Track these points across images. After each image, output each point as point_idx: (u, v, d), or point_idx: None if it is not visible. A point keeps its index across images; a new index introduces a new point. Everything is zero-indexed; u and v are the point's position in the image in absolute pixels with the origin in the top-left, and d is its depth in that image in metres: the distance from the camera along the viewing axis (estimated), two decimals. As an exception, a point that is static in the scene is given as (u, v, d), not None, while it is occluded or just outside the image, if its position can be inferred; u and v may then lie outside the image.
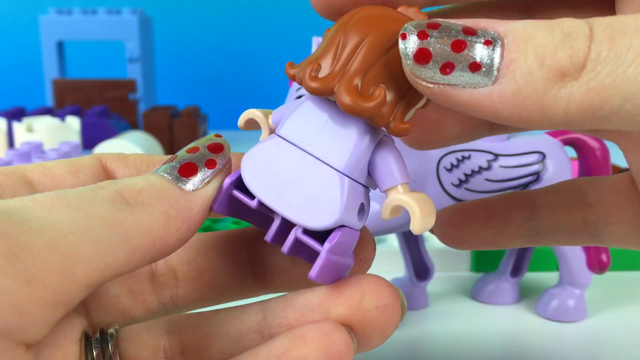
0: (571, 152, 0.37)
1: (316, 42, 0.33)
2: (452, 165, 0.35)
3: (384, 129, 0.19)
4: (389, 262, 0.45)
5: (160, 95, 1.06)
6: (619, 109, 0.15)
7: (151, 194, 0.18)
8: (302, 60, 0.19)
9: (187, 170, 0.19)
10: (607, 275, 0.43)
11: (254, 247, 0.23)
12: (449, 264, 0.45)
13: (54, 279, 0.15)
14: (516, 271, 0.40)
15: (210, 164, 0.20)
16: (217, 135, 0.21)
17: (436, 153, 0.35)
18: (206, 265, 0.23)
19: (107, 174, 0.23)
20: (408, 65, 0.17)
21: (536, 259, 0.44)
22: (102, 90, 0.85)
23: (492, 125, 0.24)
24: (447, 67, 0.17)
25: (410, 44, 0.17)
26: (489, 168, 0.35)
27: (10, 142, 0.65)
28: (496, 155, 0.35)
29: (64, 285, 0.15)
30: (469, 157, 0.35)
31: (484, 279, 0.41)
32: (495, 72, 0.16)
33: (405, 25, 0.17)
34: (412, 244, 0.39)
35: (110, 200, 0.17)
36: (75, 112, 0.74)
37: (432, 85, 0.17)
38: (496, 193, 0.35)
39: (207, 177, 0.20)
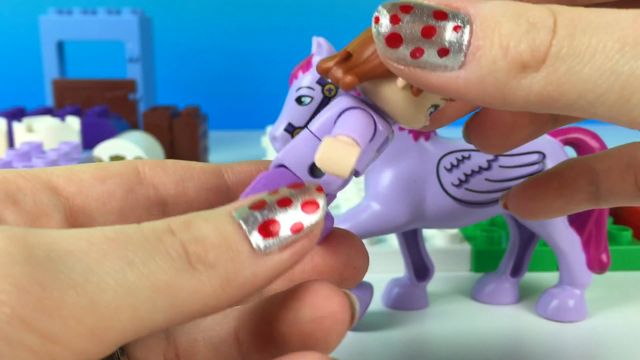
0: (571, 152, 0.37)
1: (316, 42, 0.33)
2: (452, 166, 0.35)
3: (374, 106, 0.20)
4: (389, 262, 0.45)
5: (160, 96, 1.06)
6: (573, 103, 0.16)
7: (219, 253, 0.16)
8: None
9: (269, 230, 0.17)
10: (607, 275, 0.43)
11: None
12: (449, 264, 0.45)
13: (82, 341, 0.14)
14: (516, 271, 0.40)
15: (297, 227, 0.17)
16: (319, 189, 0.18)
17: (436, 153, 0.35)
18: None
19: (144, 181, 0.22)
20: (380, 47, 0.18)
21: (536, 259, 0.44)
22: (102, 91, 0.85)
23: (556, 119, 0.25)
24: (416, 52, 0.17)
25: (382, 28, 0.18)
26: (489, 168, 0.35)
27: (10, 142, 0.65)
28: (496, 155, 0.35)
29: (92, 346, 0.14)
30: (469, 157, 0.35)
31: (484, 279, 0.41)
32: (462, 58, 0.17)
33: (379, 7, 0.18)
34: (412, 244, 0.39)
35: (171, 257, 0.16)
36: (75, 112, 0.74)
37: (402, 67, 0.18)
38: (496, 193, 0.35)
39: (287, 243, 0.17)
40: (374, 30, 0.18)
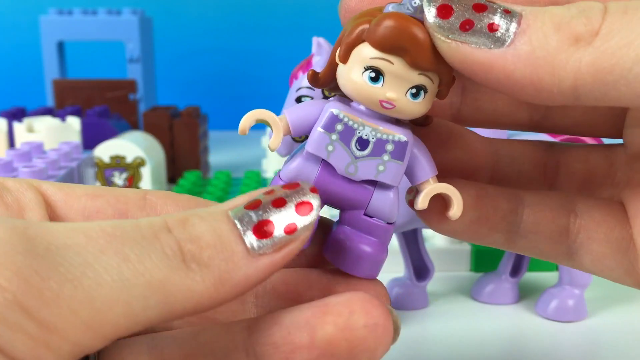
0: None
1: (316, 42, 0.33)
2: (452, 165, 0.35)
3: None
4: (388, 262, 0.45)
5: (160, 96, 1.06)
6: (628, 72, 0.16)
7: (214, 252, 0.16)
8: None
9: (263, 230, 0.17)
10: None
11: None
12: (449, 264, 0.45)
13: (77, 333, 0.14)
14: (516, 271, 0.40)
15: (290, 229, 0.17)
16: (314, 190, 0.18)
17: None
18: None
19: (147, 207, 0.21)
20: (429, 19, 0.18)
21: (536, 259, 0.44)
22: (102, 91, 0.85)
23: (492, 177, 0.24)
24: (466, 24, 0.18)
25: None
26: (488, 168, 0.35)
27: (11, 142, 0.65)
28: (496, 155, 0.35)
29: (86, 339, 0.15)
30: (468, 157, 0.35)
31: (484, 279, 0.41)
32: (511, 36, 0.17)
33: None
34: (411, 244, 0.39)
35: (166, 255, 0.16)
36: (75, 113, 0.74)
37: (449, 41, 0.18)
38: None
39: (281, 244, 0.17)
40: (425, 1, 0.18)
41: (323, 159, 0.21)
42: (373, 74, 0.20)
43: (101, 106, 0.76)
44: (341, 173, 0.21)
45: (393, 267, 0.43)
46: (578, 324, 0.37)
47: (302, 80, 0.32)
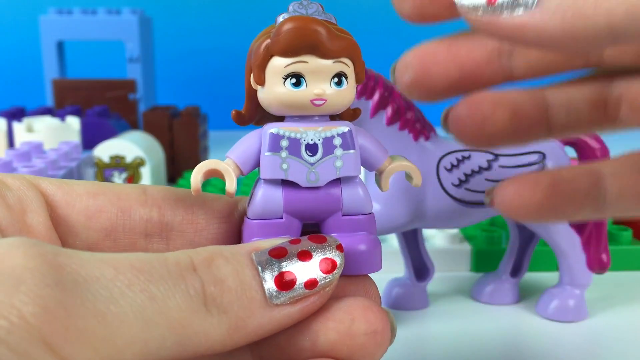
0: (571, 152, 0.37)
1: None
2: (452, 165, 0.35)
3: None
4: (389, 262, 0.45)
5: (160, 96, 1.06)
6: (625, 23, 0.15)
7: (234, 298, 0.16)
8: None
9: (284, 281, 0.17)
10: (607, 275, 0.43)
11: None
12: (449, 264, 0.45)
13: None
14: (516, 271, 0.40)
15: (311, 283, 0.18)
16: (340, 248, 0.19)
17: (436, 153, 0.35)
18: None
19: (148, 202, 0.21)
20: (459, 3, 0.18)
21: (536, 259, 0.44)
22: (102, 90, 0.85)
23: (550, 128, 0.23)
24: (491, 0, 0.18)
25: None
26: (489, 168, 0.35)
27: (10, 142, 0.65)
28: (496, 155, 0.35)
29: None
30: (469, 157, 0.35)
31: (484, 279, 0.41)
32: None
33: None
34: (412, 244, 0.39)
35: (190, 296, 0.16)
36: (75, 112, 0.74)
37: (482, 19, 0.18)
38: None
39: (299, 297, 0.17)
40: None
41: (282, 180, 0.21)
42: (294, 80, 0.21)
43: (101, 106, 0.76)
44: (304, 185, 0.21)
45: (393, 267, 0.43)
46: (578, 325, 0.37)
47: None
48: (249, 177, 0.65)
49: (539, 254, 0.44)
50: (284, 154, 0.21)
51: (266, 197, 0.22)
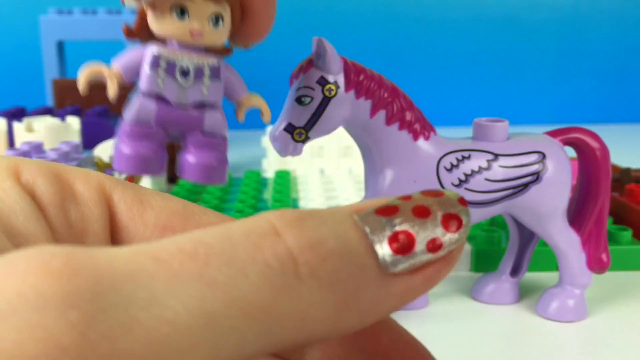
0: (571, 152, 0.37)
1: (316, 42, 0.33)
2: (452, 165, 0.35)
3: None
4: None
5: (160, 95, 1.06)
6: None
7: (338, 265, 0.12)
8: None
9: (401, 243, 0.13)
10: (607, 275, 0.43)
11: None
12: (449, 264, 0.45)
13: None
14: (516, 271, 0.40)
15: (435, 245, 0.13)
16: (462, 201, 0.14)
17: (436, 153, 0.35)
18: None
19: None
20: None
21: (536, 259, 0.44)
22: (102, 90, 0.85)
23: None
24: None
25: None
26: (488, 168, 0.35)
27: (11, 142, 0.66)
28: (496, 155, 0.35)
29: None
30: (469, 157, 0.35)
31: (484, 279, 0.41)
32: None
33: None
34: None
35: (272, 270, 0.12)
36: (75, 112, 0.75)
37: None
38: (496, 193, 0.35)
39: (420, 264, 0.13)
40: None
41: (157, 96, 0.27)
42: (179, 10, 0.26)
43: (101, 106, 0.76)
44: (174, 102, 0.27)
45: None
46: (578, 324, 0.37)
47: (303, 81, 0.32)
48: (248, 177, 0.65)
49: (539, 253, 0.44)
50: (161, 72, 0.27)
51: (141, 105, 0.27)
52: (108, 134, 0.69)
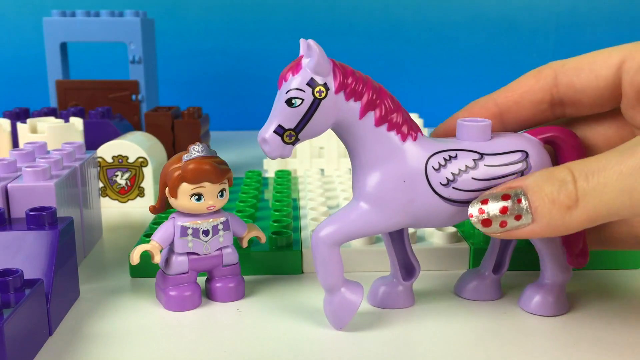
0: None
1: (305, 44, 0.33)
2: (440, 165, 0.35)
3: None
4: (376, 261, 0.45)
5: (162, 96, 1.07)
6: (606, 216, 0.30)
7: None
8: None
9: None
10: (588, 272, 0.43)
11: None
12: (448, 262, 0.46)
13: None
14: (497, 268, 0.41)
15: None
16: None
17: (424, 153, 0.35)
18: None
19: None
20: (479, 228, 0.33)
21: (517, 257, 0.44)
22: (105, 92, 0.86)
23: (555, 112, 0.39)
24: (502, 224, 0.32)
25: (475, 219, 0.33)
26: (475, 167, 0.35)
27: (15, 143, 0.66)
28: (482, 155, 0.36)
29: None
30: (455, 157, 0.35)
31: (466, 276, 0.42)
32: (530, 216, 0.31)
33: (469, 208, 0.34)
34: (397, 243, 0.39)
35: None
36: (78, 113, 0.75)
37: (498, 234, 0.33)
38: (483, 192, 0.35)
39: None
40: (472, 220, 0.33)
41: (188, 253, 0.39)
42: (197, 197, 0.38)
43: (104, 107, 0.76)
44: (202, 254, 0.39)
45: (386, 267, 0.43)
46: (559, 318, 0.38)
47: (292, 82, 0.33)
48: (249, 177, 0.65)
49: (520, 251, 0.44)
50: (189, 237, 0.39)
51: (178, 262, 0.39)
52: (111, 134, 0.70)
